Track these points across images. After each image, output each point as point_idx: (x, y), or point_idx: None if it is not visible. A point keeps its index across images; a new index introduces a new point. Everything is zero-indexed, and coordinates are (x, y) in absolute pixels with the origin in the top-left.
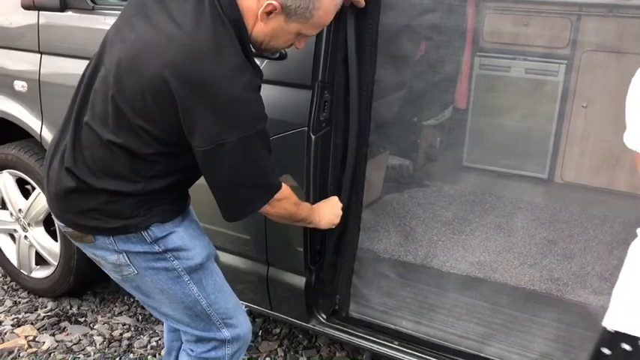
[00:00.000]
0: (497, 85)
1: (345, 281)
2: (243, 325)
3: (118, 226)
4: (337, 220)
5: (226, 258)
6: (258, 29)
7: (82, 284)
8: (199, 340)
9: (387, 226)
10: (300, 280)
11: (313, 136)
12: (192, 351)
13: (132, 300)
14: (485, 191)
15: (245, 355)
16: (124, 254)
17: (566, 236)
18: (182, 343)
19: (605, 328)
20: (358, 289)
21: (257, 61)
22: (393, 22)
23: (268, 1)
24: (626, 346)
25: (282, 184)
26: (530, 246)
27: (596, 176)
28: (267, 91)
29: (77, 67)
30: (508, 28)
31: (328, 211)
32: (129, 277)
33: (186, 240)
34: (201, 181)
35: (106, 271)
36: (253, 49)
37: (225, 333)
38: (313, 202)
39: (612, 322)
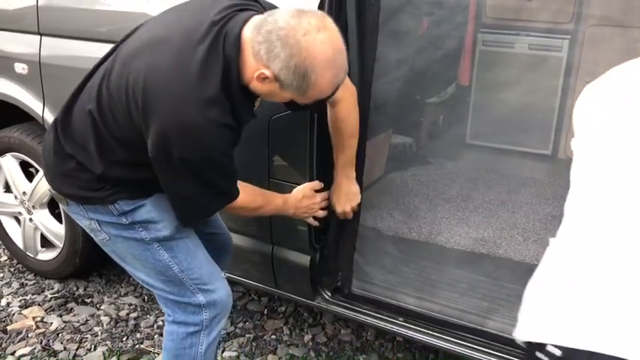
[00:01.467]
0: (501, 62)
1: (347, 258)
2: (220, 291)
3: (85, 196)
4: (311, 215)
5: (232, 238)
6: (255, 86)
7: (87, 266)
8: (174, 304)
9: (390, 204)
10: (304, 259)
11: (316, 115)
12: (169, 316)
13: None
14: (488, 168)
15: (251, 333)
16: (95, 221)
17: None
18: None
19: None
20: (360, 266)
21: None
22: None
23: (261, 70)
24: (540, 355)
25: (242, 191)
26: (534, 222)
27: None
28: None
29: (78, 48)
30: (511, 4)
31: (303, 206)
32: (103, 241)
33: (154, 213)
34: None
35: None
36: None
37: (200, 298)
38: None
39: (520, 332)
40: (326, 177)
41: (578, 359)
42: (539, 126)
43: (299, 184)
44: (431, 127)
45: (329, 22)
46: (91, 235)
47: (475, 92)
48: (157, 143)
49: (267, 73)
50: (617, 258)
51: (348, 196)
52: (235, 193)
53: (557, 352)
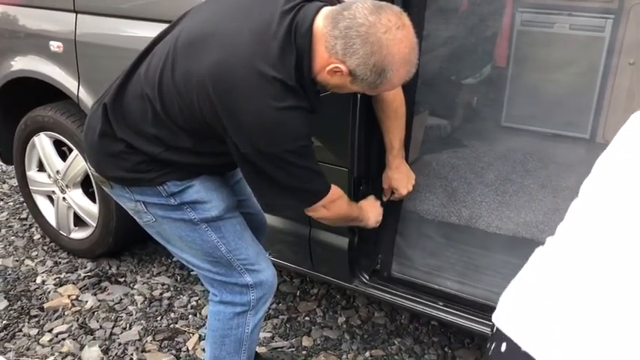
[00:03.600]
0: (540, 42)
1: (388, 240)
2: (267, 271)
3: (132, 178)
4: (380, 218)
5: (268, 219)
6: (323, 77)
7: (120, 245)
8: (222, 284)
9: (428, 187)
10: (343, 241)
11: (359, 95)
12: (215, 296)
13: (169, 260)
14: (525, 151)
15: (284, 314)
16: (141, 203)
17: None
18: None
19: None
20: (401, 249)
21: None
22: None
23: (335, 65)
24: (504, 345)
25: (332, 187)
26: None
27: None
28: None
29: (113, 27)
30: None
31: (372, 211)
32: (149, 223)
33: (202, 194)
34: None
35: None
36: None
37: (247, 278)
38: (358, 162)
39: (497, 317)
40: (368, 159)
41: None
42: (577, 110)
43: (339, 167)
44: (466, 108)
45: (406, 19)
46: (135, 217)
47: (512, 74)
48: (243, 142)
49: (342, 67)
50: (594, 280)
51: (408, 176)
52: (322, 189)
53: (504, 347)
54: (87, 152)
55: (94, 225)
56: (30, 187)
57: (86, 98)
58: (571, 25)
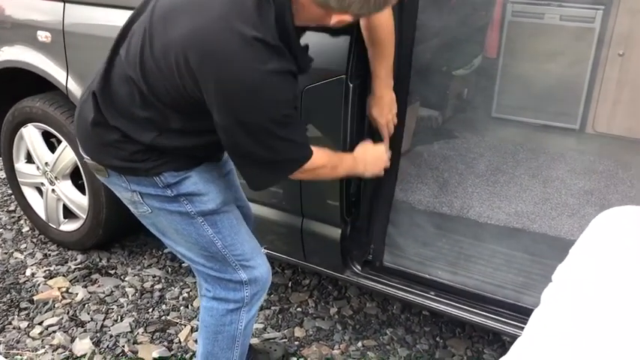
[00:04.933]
0: (530, 33)
1: (381, 230)
2: (262, 267)
3: (129, 167)
4: (382, 169)
5: (260, 210)
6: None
7: (110, 237)
8: (215, 280)
9: (420, 177)
10: (335, 232)
11: (351, 84)
12: (208, 291)
13: (160, 252)
14: (515, 142)
15: (276, 305)
16: (137, 193)
17: (603, 187)
18: None
19: None
20: (393, 238)
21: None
22: None
23: (340, 17)
24: None
25: (315, 152)
26: (566, 197)
27: (630, 126)
28: (305, 38)
29: (102, 16)
30: None
31: (368, 160)
32: (144, 214)
33: (200, 185)
34: None
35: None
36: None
37: (242, 275)
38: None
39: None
40: None
41: None
42: (567, 100)
43: None
44: (456, 99)
45: None
46: (131, 207)
47: (503, 65)
48: (225, 111)
49: (347, 16)
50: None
51: (390, 105)
52: (310, 149)
53: None
54: (80, 142)
55: (84, 217)
56: (18, 179)
57: (75, 89)
58: (561, 15)
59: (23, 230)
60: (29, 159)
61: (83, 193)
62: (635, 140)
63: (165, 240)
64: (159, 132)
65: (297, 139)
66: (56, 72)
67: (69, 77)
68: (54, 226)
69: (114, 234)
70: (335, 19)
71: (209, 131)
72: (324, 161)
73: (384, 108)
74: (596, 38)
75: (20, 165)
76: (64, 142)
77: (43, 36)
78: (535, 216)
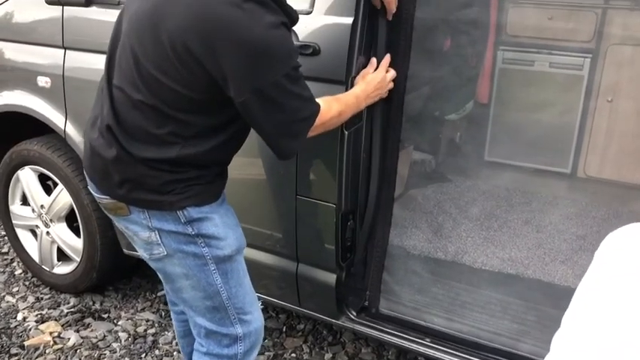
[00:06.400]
0: (521, 80)
1: (376, 277)
2: (257, 321)
3: (154, 200)
4: (385, 90)
5: (255, 254)
6: None
7: (104, 280)
8: (211, 334)
9: (414, 221)
10: (330, 277)
11: (346, 132)
12: (202, 346)
13: (154, 295)
14: (508, 186)
15: (270, 351)
16: (157, 232)
17: (595, 232)
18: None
19: None
20: (389, 285)
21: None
22: (427, 16)
23: None
24: None
25: (320, 103)
26: (559, 242)
27: (621, 171)
28: None
29: (101, 62)
30: (532, 22)
31: (372, 90)
32: (157, 256)
33: (220, 229)
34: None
35: (135, 247)
36: None
37: (239, 329)
38: (345, 197)
39: None
40: (356, 194)
41: None
42: (558, 144)
43: (328, 202)
44: (449, 143)
45: None
46: (144, 251)
47: (494, 110)
48: (240, 82)
49: None
50: None
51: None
52: (317, 103)
53: None
54: (97, 182)
55: (78, 260)
56: (13, 222)
57: (73, 133)
58: (551, 63)
59: (16, 273)
60: (24, 201)
61: (78, 235)
62: (623, 184)
63: (172, 285)
64: (182, 143)
65: (306, 94)
66: (55, 116)
67: (67, 121)
68: (47, 269)
69: (108, 277)
70: None
71: (227, 123)
72: (331, 113)
73: None
74: (585, 85)
75: (15, 207)
76: (61, 185)
77: (43, 81)
78: (529, 262)
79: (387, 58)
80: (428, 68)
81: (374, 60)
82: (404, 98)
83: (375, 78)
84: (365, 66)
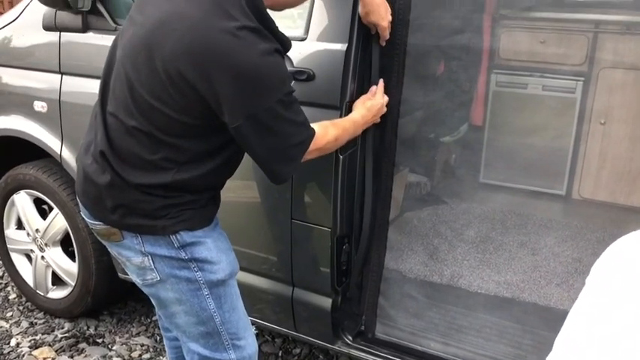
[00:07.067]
0: (514, 102)
1: (372, 301)
2: (250, 347)
3: (147, 225)
4: (380, 114)
5: (250, 279)
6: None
7: (99, 305)
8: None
9: (410, 245)
10: (326, 301)
11: (341, 156)
12: None
13: (149, 320)
14: (503, 208)
15: None
16: (150, 257)
17: (590, 254)
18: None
19: None
20: (385, 309)
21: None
22: (419, 42)
23: None
24: None
25: (315, 129)
26: (555, 265)
27: (614, 193)
28: None
29: (97, 87)
30: (525, 46)
31: (369, 115)
32: (150, 282)
33: (213, 253)
34: (224, 201)
35: (128, 272)
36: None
37: (232, 355)
38: (340, 221)
39: None
40: (351, 218)
41: None
42: (552, 166)
43: (323, 226)
44: (444, 166)
45: None
46: (136, 277)
47: (489, 132)
48: (233, 108)
49: None
50: None
51: (384, 4)
52: (312, 128)
53: None
54: (89, 208)
55: (73, 284)
56: (7, 246)
57: (69, 157)
58: (544, 86)
59: (10, 297)
60: (19, 225)
61: (73, 260)
62: (617, 205)
63: (165, 311)
64: (176, 168)
65: (300, 120)
66: (51, 141)
67: (63, 146)
68: (42, 294)
69: (102, 301)
70: None
71: (221, 148)
72: (327, 138)
73: (380, 8)
74: (578, 108)
75: (10, 231)
76: (56, 209)
77: (39, 106)
78: (524, 285)
79: (382, 83)
80: (421, 93)
81: (374, 87)
82: (397, 122)
83: (375, 105)
84: (358, 91)
